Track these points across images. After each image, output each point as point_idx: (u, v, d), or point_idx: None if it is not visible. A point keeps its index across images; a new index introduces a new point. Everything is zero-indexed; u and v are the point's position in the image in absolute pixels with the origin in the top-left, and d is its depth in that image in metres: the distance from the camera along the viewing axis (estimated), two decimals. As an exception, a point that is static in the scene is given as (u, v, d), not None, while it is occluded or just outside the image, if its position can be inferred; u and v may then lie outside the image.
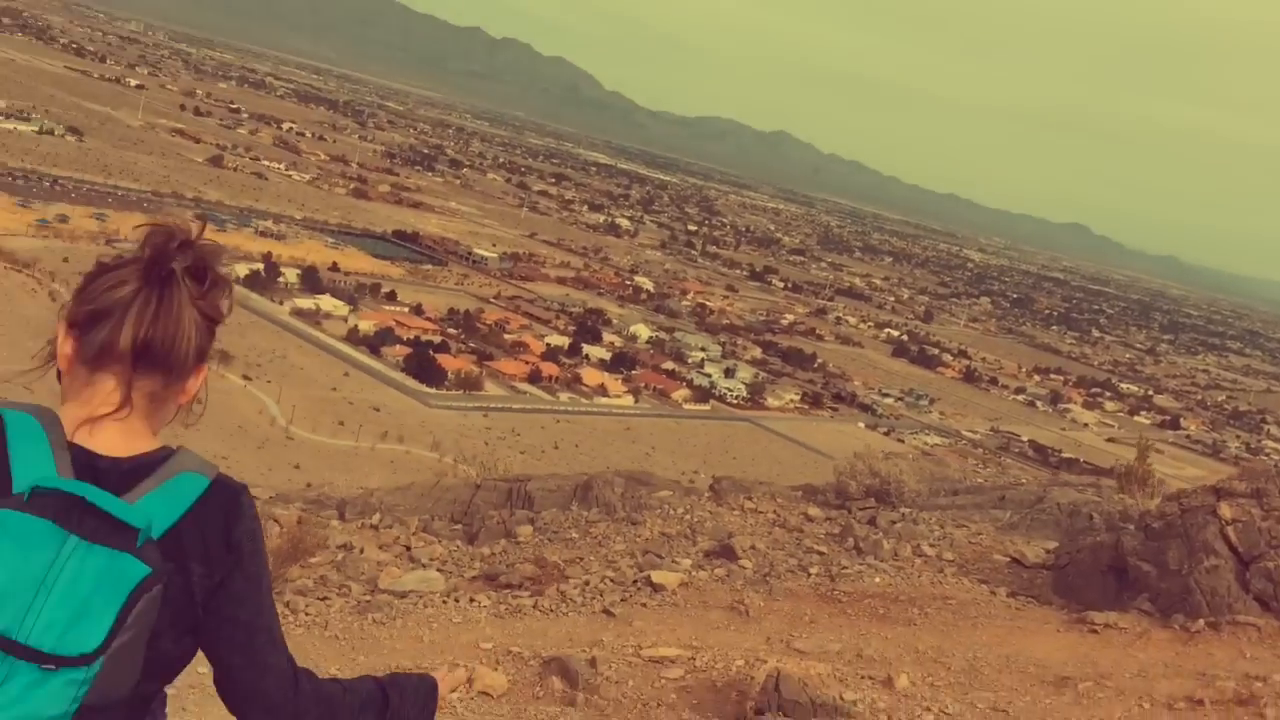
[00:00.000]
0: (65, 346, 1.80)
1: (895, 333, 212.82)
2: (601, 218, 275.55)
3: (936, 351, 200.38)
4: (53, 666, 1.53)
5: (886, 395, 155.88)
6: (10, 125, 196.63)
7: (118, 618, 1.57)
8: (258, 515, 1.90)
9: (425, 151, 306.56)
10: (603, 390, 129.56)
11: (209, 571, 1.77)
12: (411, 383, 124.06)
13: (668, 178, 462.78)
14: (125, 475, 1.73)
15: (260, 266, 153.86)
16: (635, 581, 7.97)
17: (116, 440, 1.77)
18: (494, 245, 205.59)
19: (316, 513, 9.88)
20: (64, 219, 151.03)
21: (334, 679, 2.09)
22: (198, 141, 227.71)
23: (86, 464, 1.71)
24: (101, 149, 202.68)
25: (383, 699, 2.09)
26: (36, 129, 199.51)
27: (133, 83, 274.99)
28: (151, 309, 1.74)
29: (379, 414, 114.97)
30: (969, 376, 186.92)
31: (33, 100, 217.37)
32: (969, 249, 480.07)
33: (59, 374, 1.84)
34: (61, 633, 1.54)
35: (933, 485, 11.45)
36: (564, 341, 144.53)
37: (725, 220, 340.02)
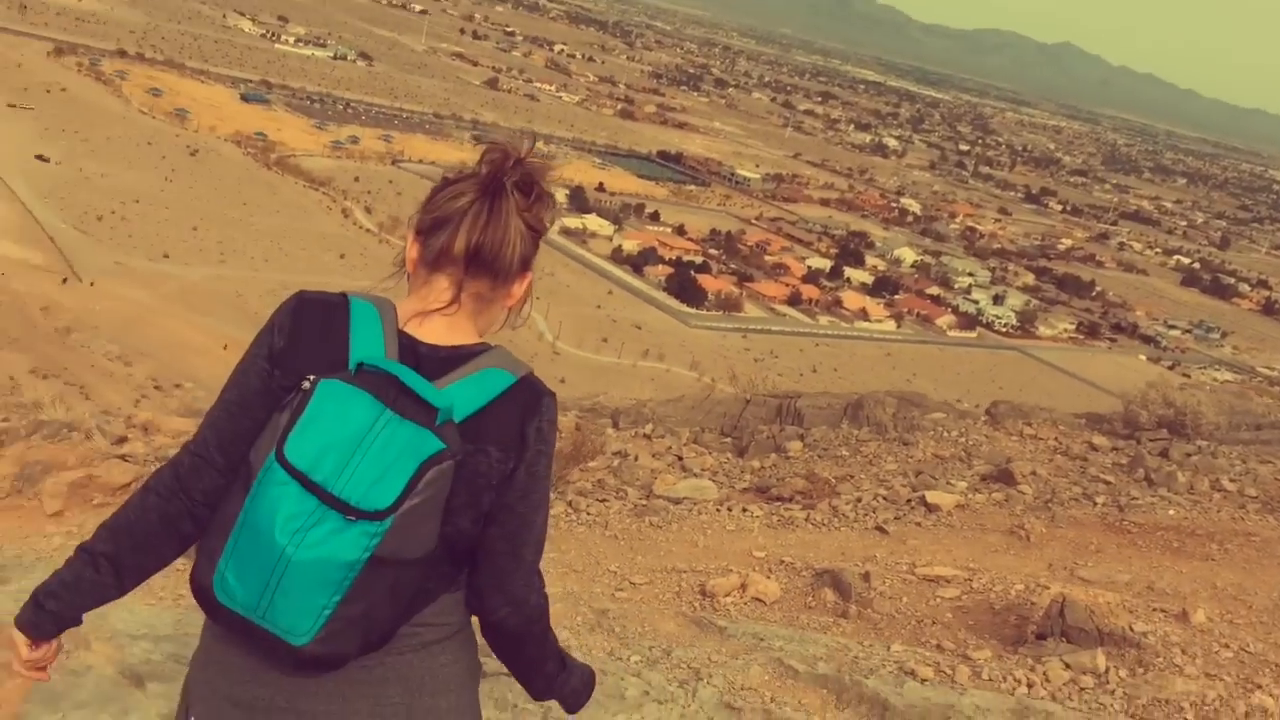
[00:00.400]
0: (411, 251, 2.01)
1: (1185, 260, 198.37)
2: (868, 137, 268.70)
3: (1232, 281, 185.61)
4: (353, 518, 1.72)
5: (1173, 327, 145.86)
6: (308, 51, 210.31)
7: (408, 483, 1.74)
8: (555, 421, 1.99)
9: (691, 71, 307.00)
10: (864, 315, 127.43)
11: (504, 458, 1.90)
12: (672, 302, 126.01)
13: (940, 95, 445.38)
14: (441, 362, 1.91)
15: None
16: (909, 501, 7.88)
17: (441, 332, 1.95)
18: (757, 166, 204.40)
19: (593, 420, 10.25)
20: (355, 140, 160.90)
21: None
22: (475, 65, 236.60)
23: (410, 349, 1.91)
24: (388, 73, 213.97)
25: (563, 658, 2.20)
26: (331, 55, 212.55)
27: (417, 8, 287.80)
28: (483, 218, 1.92)
29: (640, 332, 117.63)
30: (1269, 309, 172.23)
31: (328, 27, 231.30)
32: (1276, 169, 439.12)
33: (408, 277, 2.04)
34: (365, 490, 1.73)
35: (1233, 419, 10.69)
36: (825, 264, 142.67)
37: (1000, 139, 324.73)
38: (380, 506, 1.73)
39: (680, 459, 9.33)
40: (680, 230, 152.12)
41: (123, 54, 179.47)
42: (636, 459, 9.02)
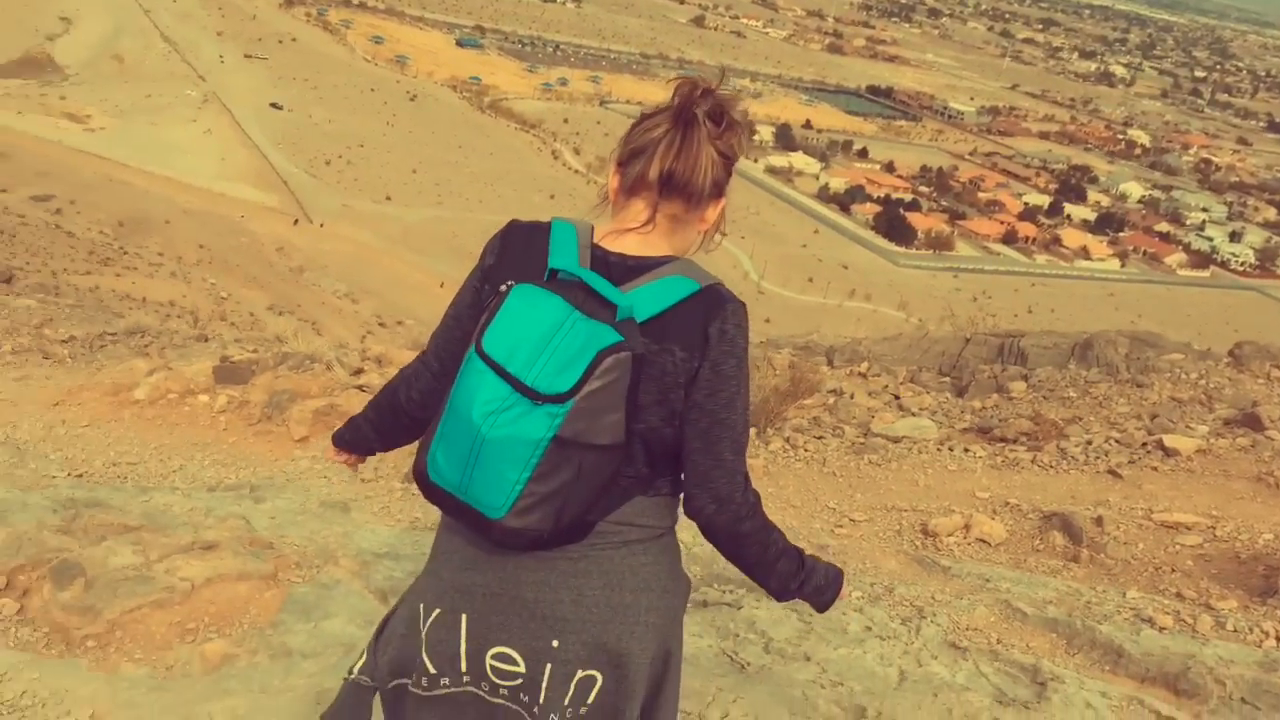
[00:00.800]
0: (612, 181, 2.18)
1: None
2: (1093, 66, 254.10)
3: None
4: (540, 402, 1.92)
5: None
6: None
7: (586, 370, 1.91)
8: (742, 326, 2.05)
9: (903, 2, 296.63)
10: (1084, 253, 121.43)
11: (688, 357, 2.00)
12: (880, 241, 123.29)
13: (1174, 18, 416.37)
14: (629, 270, 2.06)
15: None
16: (1144, 445, 7.50)
17: (633, 246, 2.10)
18: (971, 99, 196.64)
19: (807, 358, 10.18)
20: (564, 82, 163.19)
21: None
22: (681, 3, 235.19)
23: (601, 259, 2.08)
24: (596, 14, 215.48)
25: (799, 556, 2.22)
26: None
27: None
28: (676, 146, 2.05)
29: (847, 271, 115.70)
30: None
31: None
32: None
33: (611, 207, 2.20)
34: (550, 378, 1.92)
35: None
36: (1043, 200, 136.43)
37: (1241, 64, 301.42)
38: (561, 390, 1.91)
39: (897, 398, 9.16)
40: (889, 167, 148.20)
41: (347, 3, 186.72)
42: (852, 397, 8.91)
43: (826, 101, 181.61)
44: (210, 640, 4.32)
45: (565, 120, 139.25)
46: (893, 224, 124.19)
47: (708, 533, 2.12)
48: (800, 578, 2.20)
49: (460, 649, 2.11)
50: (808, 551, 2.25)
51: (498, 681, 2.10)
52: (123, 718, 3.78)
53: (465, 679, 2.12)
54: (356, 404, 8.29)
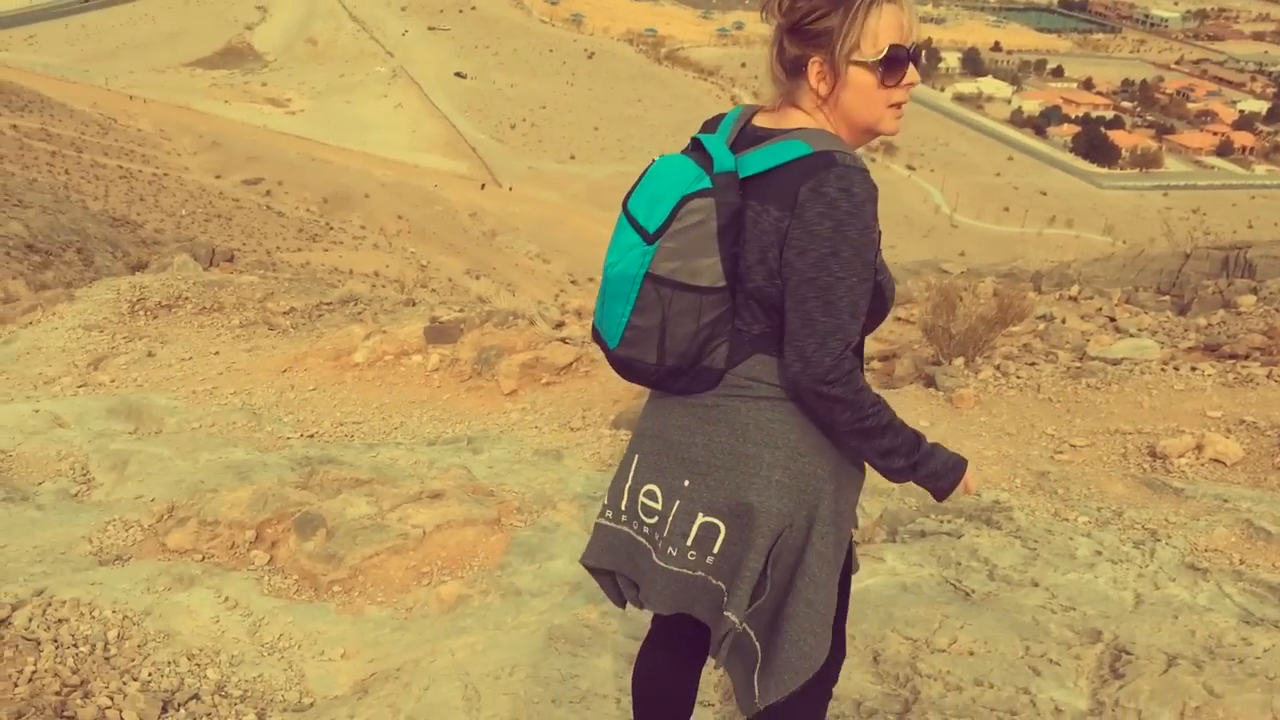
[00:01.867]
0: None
1: None
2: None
3: None
4: (648, 241, 2.08)
5: None
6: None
7: (670, 211, 2.06)
8: (849, 191, 2.01)
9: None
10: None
11: (781, 216, 2.05)
12: (1080, 163, 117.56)
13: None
14: (758, 139, 2.14)
15: (921, 54, 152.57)
16: (1397, 356, 6.95)
17: (769, 121, 2.19)
18: (1175, 3, 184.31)
19: (1011, 285, 9.82)
20: (739, 26, 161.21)
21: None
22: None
23: (746, 131, 2.19)
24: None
25: (916, 437, 2.16)
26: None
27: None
28: (774, 49, 2.19)
29: (1045, 198, 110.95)
30: None
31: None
32: None
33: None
34: (646, 213, 2.09)
35: None
36: (1261, 107, 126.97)
37: None
38: (651, 229, 2.08)
39: (1112, 320, 8.73)
40: (1087, 84, 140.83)
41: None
42: (1064, 322, 8.54)
43: (1016, 20, 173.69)
44: (444, 583, 4.53)
45: (743, 65, 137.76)
46: (1093, 144, 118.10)
47: (796, 394, 2.12)
48: (912, 459, 2.13)
49: (625, 486, 2.32)
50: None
51: (644, 518, 2.27)
52: (371, 655, 4.02)
53: (624, 517, 2.32)
54: (561, 356, 8.49)
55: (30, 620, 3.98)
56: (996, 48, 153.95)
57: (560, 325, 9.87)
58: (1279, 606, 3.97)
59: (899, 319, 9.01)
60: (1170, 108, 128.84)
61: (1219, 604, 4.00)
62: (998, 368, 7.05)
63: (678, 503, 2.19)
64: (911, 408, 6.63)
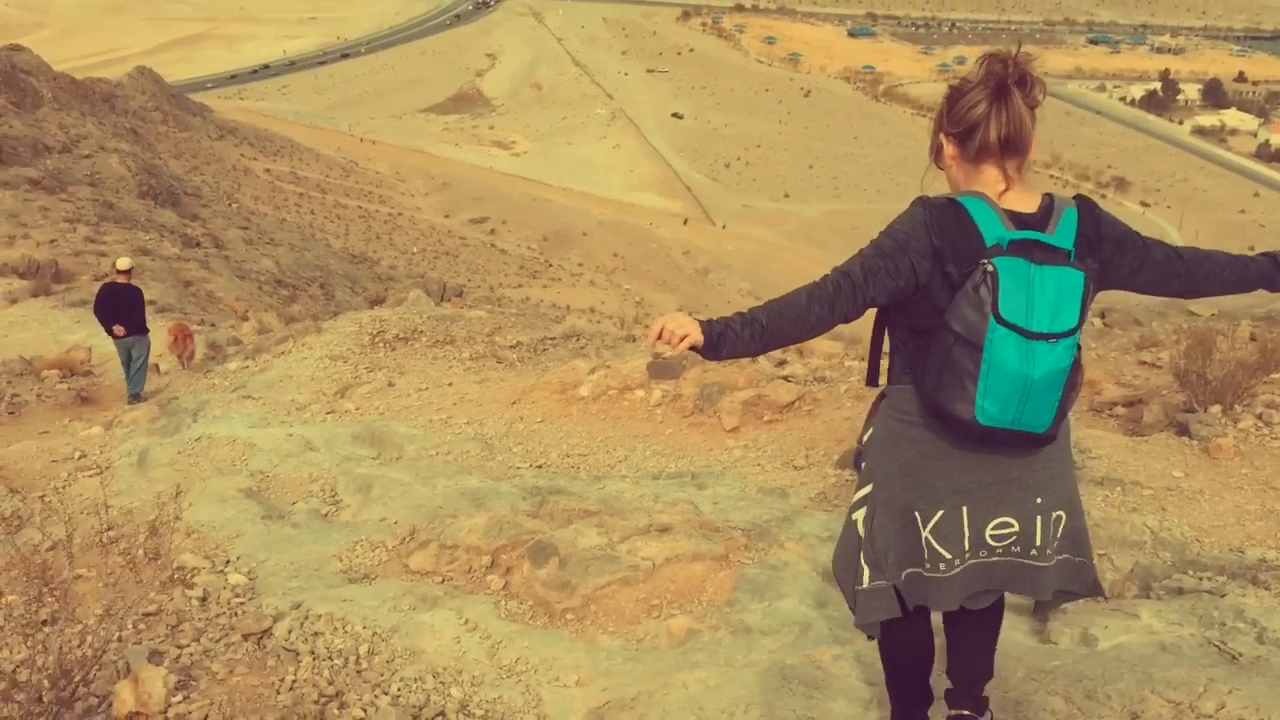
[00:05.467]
0: (949, 150, 2.68)
1: None
2: None
3: None
4: (1054, 340, 2.52)
5: None
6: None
7: (1081, 305, 2.55)
8: (1109, 216, 2.72)
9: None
10: None
11: (1096, 260, 2.65)
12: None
13: None
14: (1039, 221, 2.61)
15: (1156, 86, 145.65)
16: None
17: (1018, 201, 2.63)
18: None
19: (1270, 329, 9.16)
20: (961, 60, 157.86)
21: None
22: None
23: (1017, 219, 2.60)
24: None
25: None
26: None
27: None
28: (1004, 115, 2.57)
29: None
30: None
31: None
32: None
33: (947, 170, 2.74)
34: (1050, 320, 2.52)
35: None
36: None
37: None
38: (1068, 327, 2.54)
39: (1388, 368, 8.01)
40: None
41: (740, 8, 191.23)
42: (1332, 369, 7.90)
43: (1263, 50, 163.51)
44: (674, 616, 4.54)
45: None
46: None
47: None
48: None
49: (964, 533, 2.74)
50: None
51: (994, 544, 2.75)
52: (604, 684, 4.06)
53: (967, 555, 2.76)
54: (784, 394, 8.43)
55: (290, 632, 4.21)
56: (1241, 78, 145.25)
57: (782, 364, 9.81)
58: None
59: (1144, 363, 8.53)
60: None
61: None
62: (1259, 416, 6.56)
63: (1038, 517, 2.76)
64: (1163, 457, 6.26)
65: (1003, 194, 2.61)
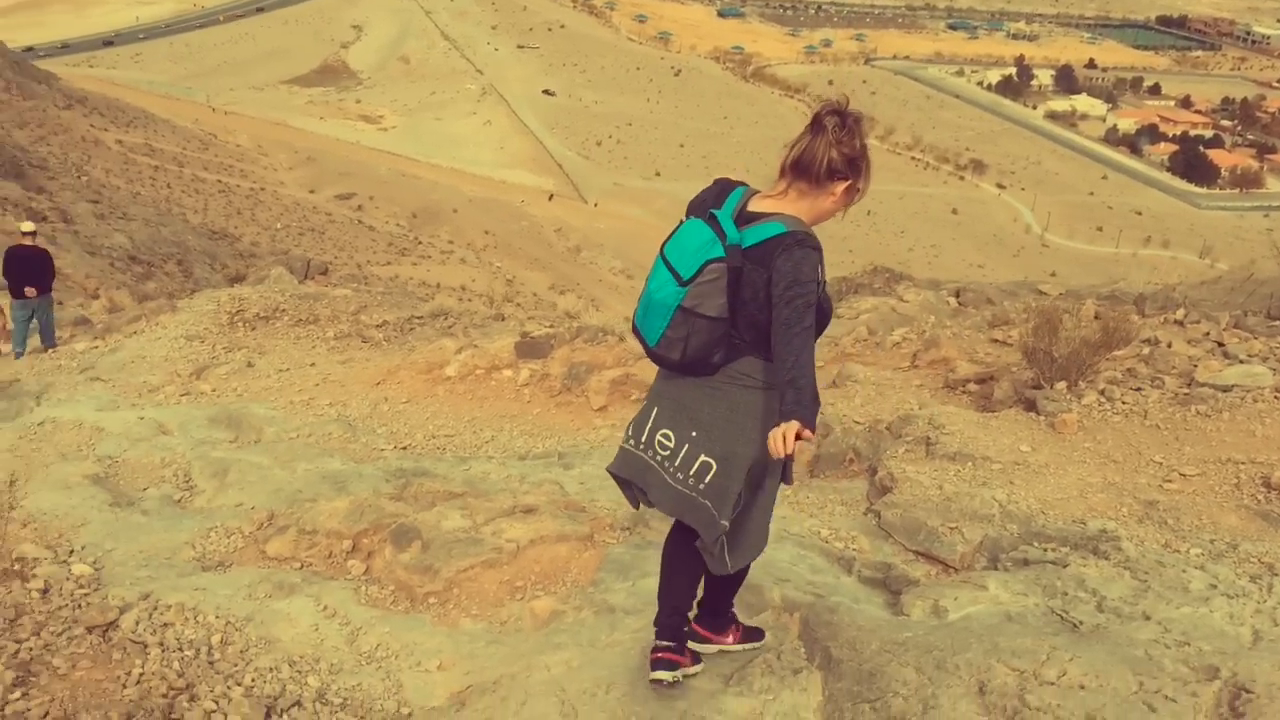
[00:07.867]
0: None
1: None
2: None
3: None
4: (680, 285, 3.14)
5: None
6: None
7: (698, 269, 3.12)
8: (809, 261, 3.08)
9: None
10: None
11: (763, 272, 3.10)
12: (1177, 183, 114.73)
13: None
14: (750, 220, 3.19)
15: (1012, 71, 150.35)
16: None
17: (764, 206, 3.22)
18: (1278, 20, 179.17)
19: (1113, 307, 9.56)
20: (828, 43, 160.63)
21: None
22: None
23: (741, 212, 3.22)
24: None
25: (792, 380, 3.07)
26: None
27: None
28: (803, 143, 3.17)
29: (1140, 218, 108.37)
30: None
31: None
32: None
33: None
34: (679, 264, 3.16)
35: None
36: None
37: None
38: (685, 276, 3.14)
39: (1221, 345, 8.44)
40: (1185, 102, 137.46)
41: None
42: (1170, 346, 8.29)
43: (1111, 38, 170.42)
44: (538, 598, 4.52)
45: (830, 82, 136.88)
46: (1191, 164, 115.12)
47: (769, 384, 3.25)
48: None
49: (647, 426, 3.44)
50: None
51: (658, 450, 3.39)
52: (467, 668, 4.02)
53: (642, 444, 3.44)
54: (650, 373, 8.47)
55: (137, 623, 4.06)
56: (1091, 65, 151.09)
57: (650, 342, 9.87)
58: None
59: (995, 340, 8.83)
60: (1272, 126, 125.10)
61: (1345, 643, 3.82)
62: (1102, 392, 6.85)
63: (686, 445, 3.33)
64: (1011, 431, 6.48)
65: (767, 198, 3.24)
